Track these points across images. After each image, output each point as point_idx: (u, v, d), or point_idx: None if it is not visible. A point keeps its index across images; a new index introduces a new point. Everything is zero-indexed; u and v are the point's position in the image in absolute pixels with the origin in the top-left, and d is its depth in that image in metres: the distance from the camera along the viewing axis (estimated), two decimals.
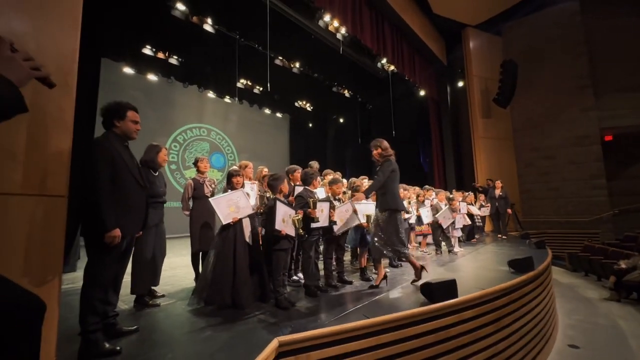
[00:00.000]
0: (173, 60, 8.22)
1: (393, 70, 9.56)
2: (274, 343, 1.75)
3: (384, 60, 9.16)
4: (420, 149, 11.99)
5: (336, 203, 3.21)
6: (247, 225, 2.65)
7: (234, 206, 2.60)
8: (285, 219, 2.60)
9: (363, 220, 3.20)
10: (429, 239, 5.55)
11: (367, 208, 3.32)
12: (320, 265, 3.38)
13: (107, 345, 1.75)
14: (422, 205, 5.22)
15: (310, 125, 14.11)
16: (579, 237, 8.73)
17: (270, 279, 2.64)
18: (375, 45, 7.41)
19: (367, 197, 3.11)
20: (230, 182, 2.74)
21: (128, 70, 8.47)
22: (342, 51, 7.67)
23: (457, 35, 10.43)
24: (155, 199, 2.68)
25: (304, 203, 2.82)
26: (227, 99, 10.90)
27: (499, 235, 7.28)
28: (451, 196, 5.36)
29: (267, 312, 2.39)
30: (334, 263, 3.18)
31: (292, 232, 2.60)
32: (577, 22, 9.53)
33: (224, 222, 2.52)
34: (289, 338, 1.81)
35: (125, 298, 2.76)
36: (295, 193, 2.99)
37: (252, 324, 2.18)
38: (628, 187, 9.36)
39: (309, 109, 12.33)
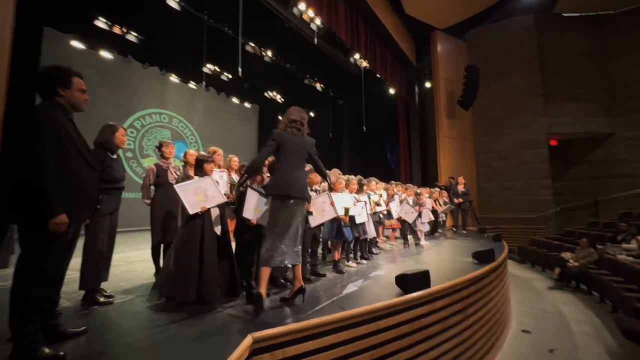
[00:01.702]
0: (131, 37, 7.49)
1: (365, 66, 9.63)
2: (248, 340, 1.62)
3: (357, 56, 9.18)
4: (388, 146, 12.28)
5: (312, 194, 3.10)
6: (216, 216, 2.45)
7: (202, 194, 2.39)
8: (260, 209, 2.44)
9: (341, 213, 3.14)
10: (398, 233, 5.68)
11: (344, 200, 3.26)
12: None
13: (47, 350, 1.49)
14: (392, 199, 5.31)
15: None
16: (527, 232, 9.55)
17: (240, 272, 2.47)
18: (349, 38, 7.38)
19: (246, 176, 2.45)
20: (201, 169, 2.52)
21: (77, 44, 7.55)
22: (316, 42, 7.52)
23: (426, 38, 10.80)
24: (112, 185, 2.37)
25: None
26: (192, 85, 10.25)
27: (456, 230, 7.69)
28: (419, 191, 5.52)
29: (238, 307, 2.23)
30: (308, 256, 3.08)
31: (265, 223, 2.45)
32: (532, 34, 10.32)
33: (191, 212, 2.30)
34: (264, 334, 1.68)
35: (71, 296, 2.43)
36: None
37: (222, 319, 2.02)
38: (569, 187, 10.41)
39: (279, 100, 12.03)
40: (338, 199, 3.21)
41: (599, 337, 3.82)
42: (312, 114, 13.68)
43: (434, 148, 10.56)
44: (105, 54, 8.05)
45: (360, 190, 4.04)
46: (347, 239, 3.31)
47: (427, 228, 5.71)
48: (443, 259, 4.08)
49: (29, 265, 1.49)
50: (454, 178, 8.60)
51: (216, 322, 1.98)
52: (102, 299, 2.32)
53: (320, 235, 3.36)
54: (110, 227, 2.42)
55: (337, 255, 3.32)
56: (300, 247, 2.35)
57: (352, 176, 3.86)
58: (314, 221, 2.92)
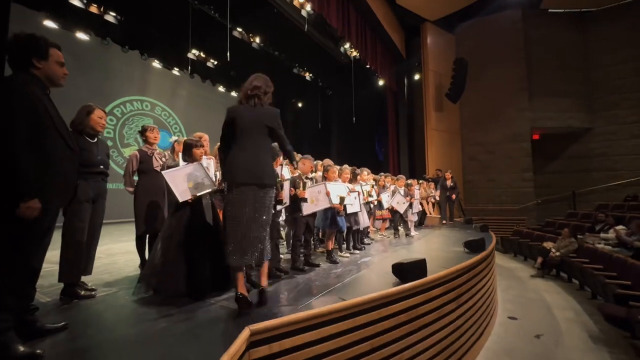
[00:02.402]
0: (110, 18, 7.06)
1: (355, 56, 9.52)
2: (245, 332, 1.53)
3: (347, 45, 9.04)
4: (377, 137, 12.29)
5: (308, 182, 3.02)
6: (207, 204, 2.32)
7: (192, 181, 2.25)
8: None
9: (336, 202, 3.06)
10: (387, 224, 5.69)
11: (339, 189, 3.18)
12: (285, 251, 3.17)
13: (22, 348, 1.35)
14: (382, 190, 5.29)
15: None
16: (509, 223, 9.84)
17: None
18: (340, 25, 7.23)
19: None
20: (190, 154, 2.37)
21: (50, 23, 7.04)
22: (306, 29, 7.32)
23: (416, 30, 10.76)
24: (89, 169, 2.18)
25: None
26: (175, 71, 9.84)
27: (444, 222, 7.81)
28: (409, 182, 5.52)
29: (231, 300, 2.13)
30: (302, 246, 3.01)
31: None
32: (518, 29, 10.45)
33: (181, 200, 2.16)
34: (262, 326, 1.60)
35: (48, 290, 2.26)
36: None
37: (215, 312, 1.92)
38: (548, 180, 10.77)
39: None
40: (333, 188, 3.14)
41: (581, 323, 3.97)
42: (300, 105, 13.53)
43: (422, 140, 10.65)
44: (81, 36, 7.56)
45: (353, 179, 3.99)
46: (341, 229, 3.25)
47: (416, 218, 5.75)
48: (434, 249, 4.11)
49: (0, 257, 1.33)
50: (441, 171, 8.72)
51: (209, 315, 1.88)
52: (83, 292, 2.16)
53: (315, 225, 3.29)
54: (94, 216, 2.24)
55: (330, 245, 3.26)
56: (268, 245, 2.05)
57: (346, 165, 3.78)
58: (306, 209, 2.84)
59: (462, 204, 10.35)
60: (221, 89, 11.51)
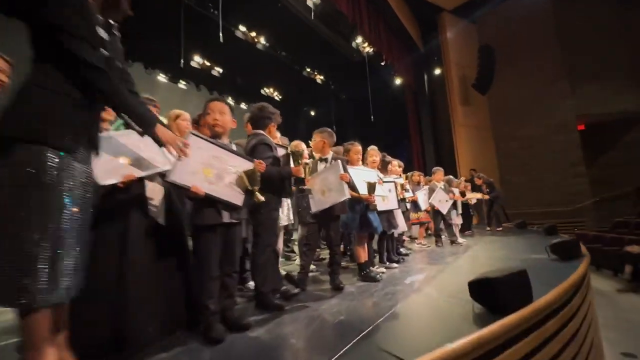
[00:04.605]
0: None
1: (368, 52, 8.77)
2: None
3: (359, 40, 8.31)
4: (398, 139, 11.29)
5: (321, 166, 2.09)
6: (156, 192, 1.42)
7: (128, 156, 1.37)
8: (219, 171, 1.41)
9: (363, 191, 2.10)
10: (421, 229, 4.59)
11: (366, 174, 2.23)
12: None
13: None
14: (417, 187, 4.26)
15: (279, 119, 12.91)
16: (563, 227, 8.35)
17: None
18: (351, 13, 6.49)
19: None
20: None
21: None
22: (312, 17, 6.63)
23: (432, 23, 9.96)
24: None
25: (269, 155, 1.70)
26: (181, 85, 9.41)
27: (488, 228, 6.61)
28: (450, 176, 4.47)
29: (189, 349, 1.19)
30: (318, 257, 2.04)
31: (228, 196, 1.40)
32: (548, 13, 9.40)
33: (102, 182, 1.28)
34: None
35: None
36: (253, 142, 1.82)
37: None
38: (605, 175, 9.25)
39: (277, 98, 11.15)
40: (357, 173, 2.19)
41: None
42: (312, 113, 12.82)
43: (450, 139, 9.57)
44: None
45: (383, 169, 3.02)
46: (375, 230, 2.25)
47: (461, 221, 4.63)
48: (501, 258, 2.99)
49: None
50: (475, 170, 7.71)
51: None
52: None
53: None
54: None
55: (363, 255, 2.25)
56: None
57: (374, 147, 2.83)
58: (316, 205, 1.90)
59: (504, 208, 9.04)
60: (230, 101, 11.00)
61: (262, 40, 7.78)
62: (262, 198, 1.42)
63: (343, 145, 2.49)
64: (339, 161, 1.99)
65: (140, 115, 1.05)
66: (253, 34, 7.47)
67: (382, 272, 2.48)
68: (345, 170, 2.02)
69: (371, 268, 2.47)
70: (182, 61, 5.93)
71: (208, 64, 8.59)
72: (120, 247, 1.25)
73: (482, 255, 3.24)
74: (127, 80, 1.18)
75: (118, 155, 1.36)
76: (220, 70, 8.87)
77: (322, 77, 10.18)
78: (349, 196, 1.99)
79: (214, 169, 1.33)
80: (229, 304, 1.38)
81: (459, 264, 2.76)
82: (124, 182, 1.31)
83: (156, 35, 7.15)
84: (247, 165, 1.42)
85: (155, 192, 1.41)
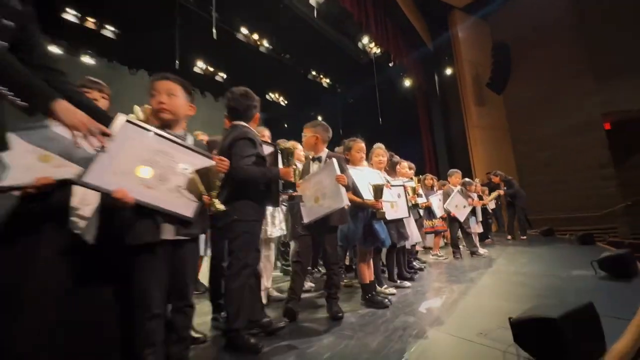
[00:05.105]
0: (108, 33, 6.58)
1: (376, 53, 8.44)
2: None
3: (366, 40, 7.99)
4: (408, 142, 10.85)
5: (315, 166, 1.73)
6: (88, 201, 1.08)
7: (54, 150, 1.05)
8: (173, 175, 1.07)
9: (368, 195, 1.73)
10: (437, 239, 4.14)
11: (371, 175, 1.85)
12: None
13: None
14: (430, 192, 3.84)
15: (286, 125, 12.65)
16: (595, 235, 7.66)
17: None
18: (357, 11, 6.19)
19: None
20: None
21: (54, 49, 6.70)
22: (316, 15, 6.36)
23: (442, 21, 9.58)
24: None
25: (251, 153, 1.38)
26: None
27: (509, 237, 6.10)
28: (468, 180, 4.03)
29: None
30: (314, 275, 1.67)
31: (172, 205, 1.03)
32: (567, 3, 8.88)
33: (7, 184, 0.95)
34: None
35: None
36: (232, 137, 1.48)
37: None
38: (633, 177, 8.52)
39: (282, 103, 10.93)
40: (360, 174, 1.81)
41: None
42: (319, 118, 12.53)
43: (464, 141, 9.08)
44: (87, 60, 7.16)
45: (391, 171, 2.63)
46: (383, 244, 1.86)
47: (481, 229, 4.17)
48: (535, 274, 2.53)
49: None
50: (490, 173, 7.23)
51: None
52: None
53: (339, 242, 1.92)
54: None
55: (367, 275, 1.86)
56: None
57: (380, 145, 2.45)
58: (309, 214, 1.53)
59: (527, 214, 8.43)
60: None
61: (265, 43, 7.56)
62: (221, 207, 1.07)
63: (343, 142, 2.13)
64: (334, 160, 1.62)
65: (28, 86, 0.72)
66: (255, 36, 7.25)
67: (392, 294, 2.07)
68: (343, 170, 1.65)
69: (378, 289, 2.07)
70: (176, 62, 5.61)
71: (211, 69, 8.44)
72: (24, 270, 0.91)
73: (509, 270, 2.78)
74: (32, 49, 0.87)
75: (40, 150, 1.04)
76: (224, 76, 8.71)
77: (328, 81, 9.90)
78: (347, 202, 1.61)
79: (156, 168, 0.99)
80: (177, 352, 1.02)
81: (484, 282, 2.32)
82: (36, 186, 0.98)
83: (158, 41, 7.03)
84: (206, 163, 1.08)
85: (86, 201, 1.08)
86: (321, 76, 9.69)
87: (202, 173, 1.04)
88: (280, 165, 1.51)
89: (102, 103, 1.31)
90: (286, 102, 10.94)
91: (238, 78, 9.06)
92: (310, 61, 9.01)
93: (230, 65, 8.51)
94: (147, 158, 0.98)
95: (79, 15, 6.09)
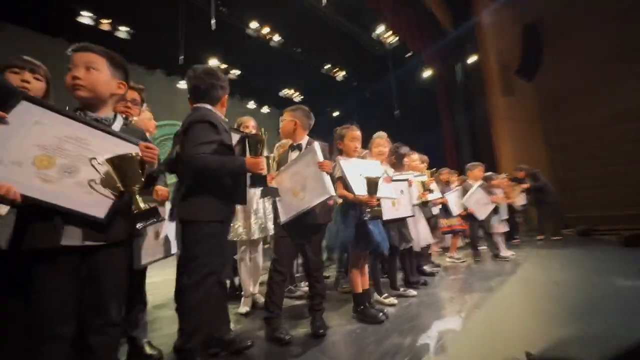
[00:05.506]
0: (122, 34, 6.68)
1: (392, 43, 8.03)
2: None
3: (381, 29, 7.61)
4: (428, 136, 10.33)
5: (293, 155, 1.50)
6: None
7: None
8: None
9: (359, 189, 1.48)
10: (455, 240, 3.77)
11: (366, 166, 1.60)
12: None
13: None
14: (446, 187, 3.48)
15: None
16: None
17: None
18: None
19: None
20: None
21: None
22: (325, 1, 6.09)
23: (464, 5, 8.95)
24: None
25: (213, 139, 1.18)
26: None
27: (539, 237, 5.56)
28: (490, 174, 3.63)
29: None
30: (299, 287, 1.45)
31: (76, 203, 0.82)
32: None
33: None
34: None
35: None
36: (188, 121, 1.29)
37: None
38: None
39: (297, 100, 10.75)
40: (353, 166, 1.56)
41: None
42: (335, 114, 12.24)
43: (488, 134, 8.44)
44: None
45: (397, 163, 2.33)
46: (379, 249, 1.58)
47: (506, 228, 3.74)
48: (571, 284, 2.15)
49: None
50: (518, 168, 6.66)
51: None
52: None
53: (324, 243, 1.67)
54: None
55: (359, 283, 1.60)
56: None
57: (382, 133, 2.17)
58: (286, 210, 1.30)
59: (561, 211, 7.70)
60: (251, 105, 10.82)
61: (276, 38, 7.39)
62: (143, 205, 0.87)
63: (335, 130, 1.87)
64: (316, 144, 1.38)
65: None
66: (266, 30, 7.10)
67: (392, 305, 1.80)
68: (327, 157, 1.40)
69: (377, 298, 1.80)
70: (181, 57, 5.58)
71: (224, 67, 8.40)
72: None
73: (537, 277, 2.40)
74: None
75: None
76: (237, 72, 8.66)
77: (343, 74, 9.58)
78: (332, 193, 1.37)
79: (61, 158, 0.80)
80: None
81: (504, 292, 1.98)
82: None
83: (170, 40, 7.06)
84: (130, 151, 0.88)
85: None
86: (337, 69, 9.40)
87: (115, 161, 0.84)
88: (248, 155, 1.29)
89: (36, 85, 1.15)
90: (302, 97, 10.76)
91: (251, 75, 9.02)
92: (323, 54, 8.75)
93: (243, 62, 8.45)
94: (51, 145, 0.80)
95: (94, 17, 6.21)
